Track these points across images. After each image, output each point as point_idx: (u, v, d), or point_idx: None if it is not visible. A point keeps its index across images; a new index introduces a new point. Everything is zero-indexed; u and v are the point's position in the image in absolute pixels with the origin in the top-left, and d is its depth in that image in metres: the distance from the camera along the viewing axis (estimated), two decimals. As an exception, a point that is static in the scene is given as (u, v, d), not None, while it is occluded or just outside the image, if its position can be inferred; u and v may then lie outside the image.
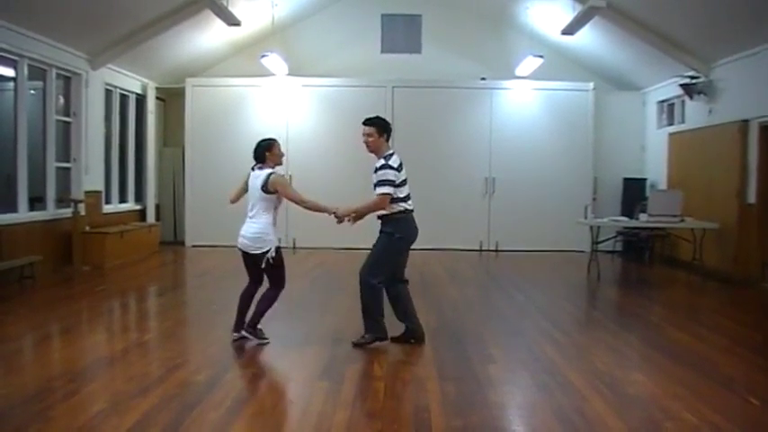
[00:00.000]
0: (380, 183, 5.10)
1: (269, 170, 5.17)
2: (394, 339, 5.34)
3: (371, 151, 5.28)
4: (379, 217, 5.25)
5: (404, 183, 5.20)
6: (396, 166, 5.13)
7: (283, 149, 5.49)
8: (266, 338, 5.32)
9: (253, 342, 5.28)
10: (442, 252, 11.46)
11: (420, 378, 4.51)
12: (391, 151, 5.25)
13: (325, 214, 5.32)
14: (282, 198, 5.23)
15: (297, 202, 5.24)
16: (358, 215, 5.26)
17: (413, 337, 5.35)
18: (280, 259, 5.23)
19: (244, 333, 5.31)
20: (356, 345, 5.22)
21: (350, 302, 7.21)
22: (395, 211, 5.17)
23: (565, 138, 11.95)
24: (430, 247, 11.50)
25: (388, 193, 5.10)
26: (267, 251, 5.15)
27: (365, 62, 12.37)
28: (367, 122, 5.28)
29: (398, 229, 5.19)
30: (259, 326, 5.33)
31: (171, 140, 12.84)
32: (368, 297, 5.23)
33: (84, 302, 7.28)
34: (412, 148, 11.76)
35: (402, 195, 5.18)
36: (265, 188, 5.11)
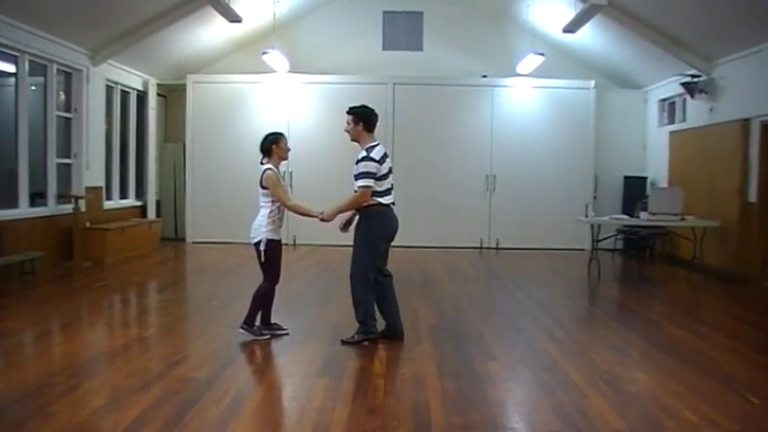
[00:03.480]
0: (361, 175, 5.05)
1: (267, 166, 5.24)
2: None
3: (353, 140, 5.27)
4: (358, 209, 5.23)
5: (385, 176, 5.15)
6: (377, 158, 5.08)
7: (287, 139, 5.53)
8: (265, 334, 5.35)
9: (249, 338, 5.29)
10: (443, 249, 11.46)
11: (420, 375, 4.51)
12: (375, 142, 5.20)
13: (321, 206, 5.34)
14: None
15: (281, 202, 5.29)
16: (342, 212, 5.26)
17: (393, 333, 5.35)
18: (271, 253, 5.26)
19: (241, 330, 5.34)
20: (345, 342, 5.21)
21: (350, 299, 7.22)
22: (370, 204, 5.13)
23: (566, 136, 11.93)
24: (430, 244, 11.53)
25: (369, 186, 5.05)
26: (258, 242, 5.23)
27: (366, 59, 12.36)
28: (348, 111, 5.28)
29: (374, 223, 5.16)
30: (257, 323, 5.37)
31: (172, 137, 12.83)
32: (358, 297, 5.24)
33: (85, 298, 7.29)
34: (413, 146, 11.81)
35: (380, 189, 5.12)
36: (261, 184, 5.22)
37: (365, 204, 5.14)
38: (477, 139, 12.02)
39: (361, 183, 5.06)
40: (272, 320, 5.50)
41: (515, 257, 11.03)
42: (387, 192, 5.19)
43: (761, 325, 6.55)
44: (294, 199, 5.49)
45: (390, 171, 5.25)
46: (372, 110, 5.33)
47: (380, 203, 5.15)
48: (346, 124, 5.26)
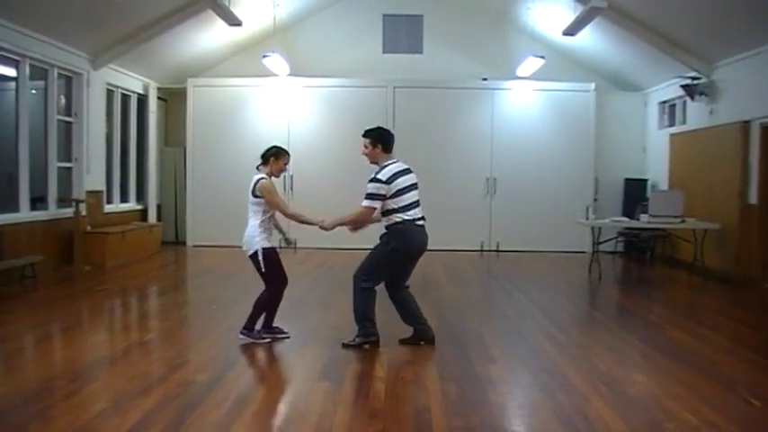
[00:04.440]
0: (366, 196, 5.11)
1: (262, 176, 5.22)
2: (403, 341, 5.35)
3: (371, 162, 5.31)
4: (385, 227, 5.25)
5: (401, 192, 5.11)
6: (384, 179, 5.07)
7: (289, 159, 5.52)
8: (266, 338, 5.35)
9: (248, 341, 5.29)
10: (444, 252, 11.44)
11: (421, 378, 4.52)
12: (389, 162, 5.20)
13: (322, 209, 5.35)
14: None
15: (280, 212, 5.29)
16: (343, 224, 5.29)
17: (422, 339, 5.33)
18: (269, 262, 5.24)
19: (241, 335, 5.34)
20: (345, 346, 5.22)
21: (350, 302, 7.22)
22: (392, 222, 5.15)
23: (566, 138, 11.94)
24: (431, 247, 11.42)
25: (368, 207, 5.10)
26: (254, 252, 5.21)
27: (367, 62, 12.37)
28: (363, 134, 5.32)
29: (395, 240, 5.16)
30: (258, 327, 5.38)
31: (172, 140, 12.85)
32: (358, 299, 5.25)
33: (86, 302, 7.29)
34: (413, 149, 11.74)
35: (397, 206, 5.11)
36: (254, 192, 5.19)
37: (387, 223, 5.17)
38: (477, 142, 12.03)
39: (364, 203, 5.11)
40: (274, 324, 5.50)
41: (516, 260, 11.03)
42: (408, 207, 5.16)
43: (761, 327, 6.55)
44: (292, 207, 5.49)
45: (412, 186, 5.21)
46: (388, 130, 5.39)
47: (404, 220, 5.13)
48: (364, 147, 5.28)
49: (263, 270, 5.25)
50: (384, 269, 5.25)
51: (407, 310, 5.37)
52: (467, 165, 12.01)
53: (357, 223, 5.28)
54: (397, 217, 5.13)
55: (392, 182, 5.09)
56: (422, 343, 5.32)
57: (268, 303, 5.38)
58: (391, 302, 5.42)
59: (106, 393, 4.13)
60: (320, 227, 5.27)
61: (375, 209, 5.12)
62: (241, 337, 5.32)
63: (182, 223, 12.40)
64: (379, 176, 5.10)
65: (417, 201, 5.25)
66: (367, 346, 5.20)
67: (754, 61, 8.60)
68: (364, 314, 5.24)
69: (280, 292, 5.40)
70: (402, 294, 5.37)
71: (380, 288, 5.32)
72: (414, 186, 5.24)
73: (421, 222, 5.25)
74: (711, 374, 4.66)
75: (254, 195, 5.19)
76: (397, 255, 5.20)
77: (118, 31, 9.50)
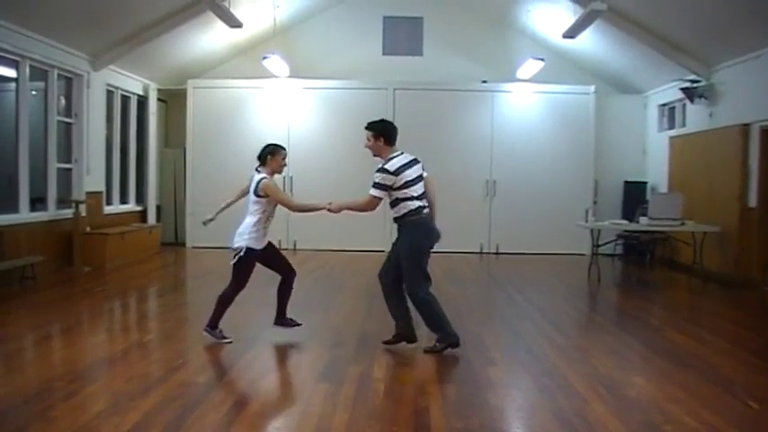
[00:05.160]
0: (373, 185, 5.11)
1: (263, 175, 5.23)
2: (385, 342, 5.33)
3: (375, 155, 5.30)
4: (395, 220, 5.25)
5: (409, 184, 5.13)
6: (392, 170, 5.08)
7: (286, 154, 5.51)
8: (227, 338, 5.34)
9: (249, 343, 5.29)
10: (443, 254, 11.40)
11: (420, 380, 4.52)
12: (394, 154, 5.21)
13: (322, 212, 5.35)
14: (274, 204, 5.29)
15: (286, 206, 5.32)
16: (349, 210, 5.31)
17: (404, 338, 5.31)
18: (248, 262, 5.24)
19: (204, 332, 5.35)
20: (427, 351, 5.17)
21: (350, 304, 7.25)
22: (404, 212, 5.15)
23: (566, 141, 11.95)
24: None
25: (374, 196, 5.10)
26: (237, 249, 5.22)
27: (366, 64, 12.37)
28: (366, 127, 5.32)
29: (415, 235, 5.18)
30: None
31: (172, 142, 12.85)
32: (424, 311, 5.22)
33: (85, 303, 7.29)
34: (412, 151, 11.67)
35: (406, 196, 5.12)
36: (257, 192, 5.21)
37: (398, 214, 5.17)
38: (477, 144, 12.04)
39: (371, 191, 5.11)
40: (207, 326, 5.42)
41: (515, 262, 11.02)
42: (417, 198, 5.19)
43: (761, 329, 6.55)
44: (296, 199, 5.49)
45: (418, 178, 5.23)
46: (391, 123, 5.41)
47: (416, 208, 5.16)
48: (366, 140, 5.27)
49: (240, 267, 5.23)
50: (421, 266, 5.21)
51: (401, 305, 5.31)
52: (467, 167, 12.01)
53: (362, 211, 5.27)
54: (409, 205, 5.13)
55: (399, 173, 5.10)
56: (404, 343, 5.28)
57: (231, 300, 5.35)
58: (386, 299, 5.36)
59: (106, 394, 4.14)
60: (328, 210, 5.25)
61: (381, 198, 5.12)
62: (204, 334, 5.34)
63: (181, 224, 12.39)
64: (386, 167, 5.10)
65: (424, 192, 5.27)
66: (449, 349, 5.15)
67: (754, 64, 8.61)
68: (438, 320, 5.19)
69: (237, 293, 5.35)
70: (401, 294, 5.31)
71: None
72: (420, 178, 5.27)
73: (428, 212, 5.27)
74: (710, 377, 4.66)
75: (257, 195, 5.21)
76: (418, 248, 5.21)
77: (118, 32, 9.51)
